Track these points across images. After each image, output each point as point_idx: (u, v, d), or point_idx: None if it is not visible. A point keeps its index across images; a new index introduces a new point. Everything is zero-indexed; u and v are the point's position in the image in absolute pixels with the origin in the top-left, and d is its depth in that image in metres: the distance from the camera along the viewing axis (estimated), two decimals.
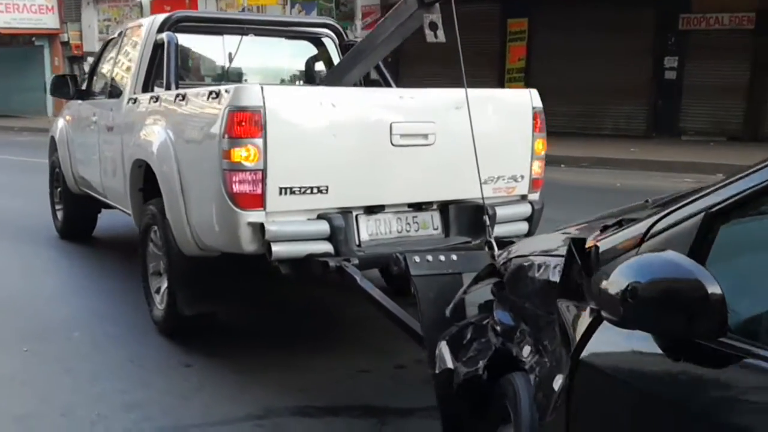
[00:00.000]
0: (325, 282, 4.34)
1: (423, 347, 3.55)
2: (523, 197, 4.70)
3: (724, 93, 15.76)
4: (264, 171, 3.86)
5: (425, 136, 4.28)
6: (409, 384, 4.10)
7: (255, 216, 3.89)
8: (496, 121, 4.55)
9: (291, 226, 3.95)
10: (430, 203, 4.42)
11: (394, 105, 4.26)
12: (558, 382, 2.23)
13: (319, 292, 5.55)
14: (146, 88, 5.45)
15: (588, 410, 2.16)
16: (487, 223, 4.00)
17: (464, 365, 2.90)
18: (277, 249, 3.88)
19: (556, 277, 2.50)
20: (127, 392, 4.00)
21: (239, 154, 3.84)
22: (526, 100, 4.65)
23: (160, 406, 3.86)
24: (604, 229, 2.44)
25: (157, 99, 4.92)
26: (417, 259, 3.38)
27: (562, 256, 2.36)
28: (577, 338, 2.14)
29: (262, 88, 3.87)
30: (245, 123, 3.83)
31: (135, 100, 5.38)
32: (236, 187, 3.86)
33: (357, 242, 4.12)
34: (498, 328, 2.90)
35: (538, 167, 4.72)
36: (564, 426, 2.20)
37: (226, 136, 3.87)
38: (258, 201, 3.89)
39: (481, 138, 4.23)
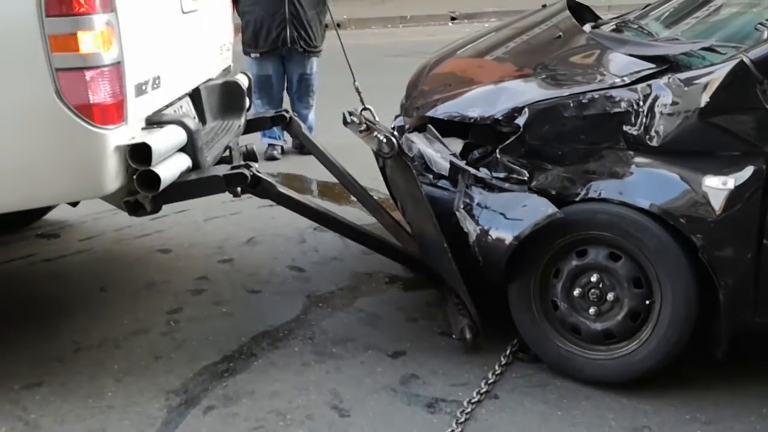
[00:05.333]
0: None
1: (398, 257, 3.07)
2: (227, 69, 4.03)
3: None
4: (121, 64, 2.52)
5: None
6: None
7: (120, 134, 2.54)
8: None
9: (165, 141, 2.70)
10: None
11: None
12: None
13: None
14: None
15: None
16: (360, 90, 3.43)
17: (509, 229, 2.72)
18: (165, 175, 2.64)
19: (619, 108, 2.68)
20: None
21: (85, 41, 2.40)
22: None
23: None
24: None
25: None
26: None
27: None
28: None
29: None
30: None
31: None
32: (92, 95, 2.43)
33: None
34: (520, 177, 2.78)
35: None
36: None
37: (50, 14, 2.36)
38: (120, 111, 2.54)
39: None
